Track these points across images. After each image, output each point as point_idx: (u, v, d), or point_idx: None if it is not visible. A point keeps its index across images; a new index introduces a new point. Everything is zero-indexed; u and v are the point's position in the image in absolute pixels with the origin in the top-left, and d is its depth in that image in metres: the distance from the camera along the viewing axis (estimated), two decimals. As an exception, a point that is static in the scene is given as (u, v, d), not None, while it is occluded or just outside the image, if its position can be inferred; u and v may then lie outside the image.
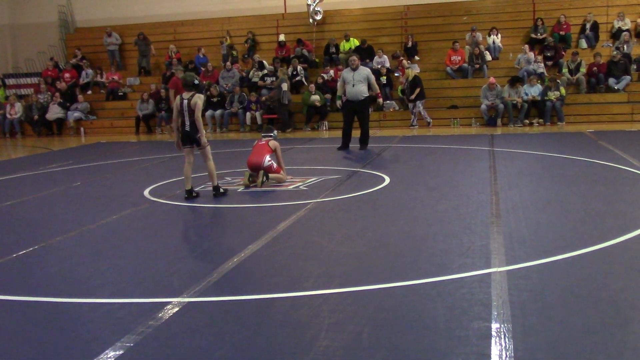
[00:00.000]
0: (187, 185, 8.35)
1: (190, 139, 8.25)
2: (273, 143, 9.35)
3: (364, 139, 12.84)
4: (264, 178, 8.92)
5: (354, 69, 12.50)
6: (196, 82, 8.36)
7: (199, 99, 8.17)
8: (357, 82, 12.42)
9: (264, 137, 9.45)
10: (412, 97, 16.90)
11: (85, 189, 9.72)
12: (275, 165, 9.17)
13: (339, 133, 13.23)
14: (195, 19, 22.96)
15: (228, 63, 19.85)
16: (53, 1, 23.82)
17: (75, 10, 24.30)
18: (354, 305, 4.35)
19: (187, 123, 8.18)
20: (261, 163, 8.99)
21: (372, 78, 12.72)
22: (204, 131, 8.38)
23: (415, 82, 16.97)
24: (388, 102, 18.26)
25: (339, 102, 13.09)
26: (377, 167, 10.43)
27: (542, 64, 17.99)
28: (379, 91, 12.71)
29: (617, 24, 19.02)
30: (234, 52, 21.04)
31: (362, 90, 12.47)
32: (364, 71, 12.67)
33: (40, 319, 4.39)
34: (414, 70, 17.91)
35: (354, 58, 12.67)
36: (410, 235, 6.23)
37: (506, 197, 7.58)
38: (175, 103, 8.30)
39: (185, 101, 8.16)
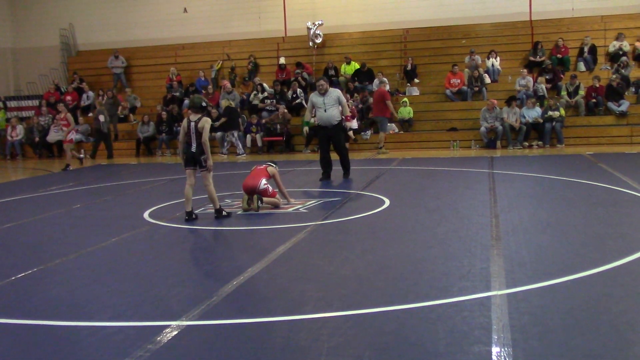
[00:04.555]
0: (187, 207, 8.36)
1: (194, 160, 8.29)
2: (271, 169, 9.31)
3: (345, 165, 11.94)
4: (259, 202, 8.89)
5: (323, 94, 11.49)
6: (204, 104, 8.42)
7: (207, 123, 8.25)
8: (328, 106, 11.42)
9: (264, 163, 9.46)
10: (217, 124, 17.52)
11: (85, 212, 9.71)
12: (271, 189, 9.08)
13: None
14: (196, 42, 23.14)
15: (229, 85, 19.95)
16: (55, 25, 24.02)
17: (77, 34, 24.49)
18: (354, 329, 4.33)
19: (194, 145, 8.25)
20: (256, 186, 8.92)
21: (344, 100, 11.77)
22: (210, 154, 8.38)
23: (226, 112, 17.83)
24: (389, 124, 18.34)
25: (305, 129, 12.42)
26: (377, 190, 10.43)
27: (544, 86, 18.05)
28: (348, 114, 11.79)
29: (615, 46, 19.13)
30: (232, 74, 21.11)
31: (334, 115, 11.49)
32: (334, 93, 11.58)
33: (38, 343, 4.36)
34: (229, 101, 18.42)
35: (322, 82, 11.59)
36: (410, 258, 6.21)
37: (506, 220, 7.58)
38: (182, 125, 8.36)
39: (193, 123, 8.22)
